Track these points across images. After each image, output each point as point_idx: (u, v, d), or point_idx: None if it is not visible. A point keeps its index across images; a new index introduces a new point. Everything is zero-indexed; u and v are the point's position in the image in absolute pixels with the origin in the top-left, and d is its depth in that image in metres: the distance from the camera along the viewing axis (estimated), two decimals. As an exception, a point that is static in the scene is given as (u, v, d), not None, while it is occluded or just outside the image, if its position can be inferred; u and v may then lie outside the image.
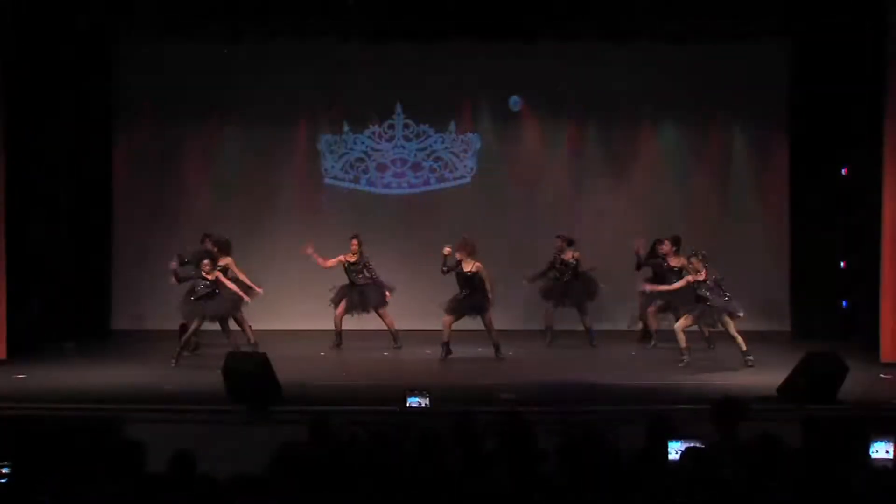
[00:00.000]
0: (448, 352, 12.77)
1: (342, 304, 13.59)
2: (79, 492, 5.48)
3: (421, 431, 6.25)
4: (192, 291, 12.63)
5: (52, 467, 5.81)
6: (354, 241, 13.64)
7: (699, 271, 12.19)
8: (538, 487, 5.43)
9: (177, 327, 12.96)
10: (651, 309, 13.64)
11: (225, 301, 12.58)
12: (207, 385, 10.61)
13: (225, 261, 12.90)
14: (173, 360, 12.28)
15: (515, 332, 13.99)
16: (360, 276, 13.57)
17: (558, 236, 13.86)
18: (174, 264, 12.93)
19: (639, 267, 13.78)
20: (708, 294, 12.13)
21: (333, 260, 13.57)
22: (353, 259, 13.60)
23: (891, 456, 6.47)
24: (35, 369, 11.96)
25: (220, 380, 10.18)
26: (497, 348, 12.82)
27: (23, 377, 11.59)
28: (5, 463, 5.94)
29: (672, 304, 12.97)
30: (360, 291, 13.57)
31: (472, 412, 7.08)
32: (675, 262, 13.26)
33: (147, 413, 9.66)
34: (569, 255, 13.67)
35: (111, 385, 10.96)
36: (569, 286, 13.73)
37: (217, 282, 12.50)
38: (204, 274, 12.46)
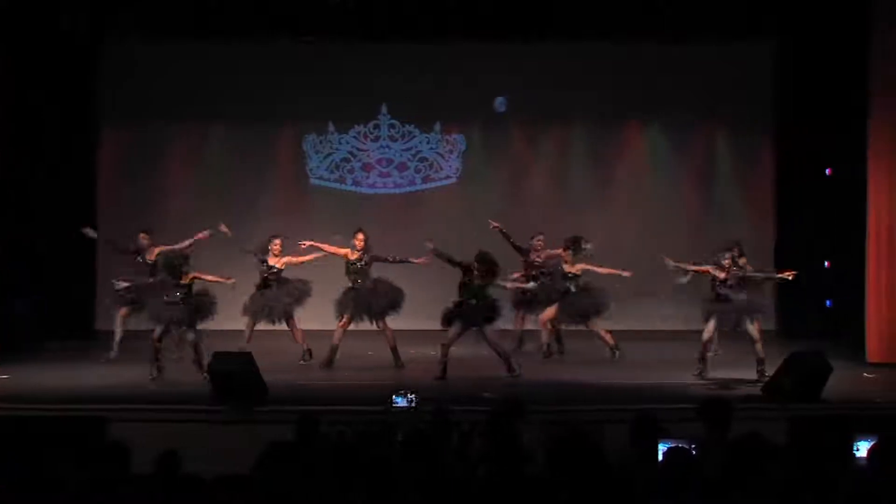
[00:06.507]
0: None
1: (344, 317, 12.19)
2: (63, 492, 5.46)
3: (407, 431, 6.24)
4: (260, 287, 12.51)
5: (36, 468, 5.78)
6: (360, 235, 12.23)
7: (724, 270, 11.40)
8: (524, 487, 5.43)
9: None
10: None
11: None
12: (193, 385, 10.59)
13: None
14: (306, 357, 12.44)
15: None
16: (362, 277, 12.22)
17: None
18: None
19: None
20: (728, 294, 11.41)
21: (319, 253, 12.34)
22: (353, 256, 12.18)
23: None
24: (19, 370, 11.91)
25: (206, 379, 10.16)
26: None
27: (6, 378, 11.55)
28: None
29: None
30: (366, 297, 12.17)
31: (450, 409, 7.08)
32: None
33: (132, 413, 9.63)
34: (576, 267, 12.75)
35: (95, 385, 10.93)
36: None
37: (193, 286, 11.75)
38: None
